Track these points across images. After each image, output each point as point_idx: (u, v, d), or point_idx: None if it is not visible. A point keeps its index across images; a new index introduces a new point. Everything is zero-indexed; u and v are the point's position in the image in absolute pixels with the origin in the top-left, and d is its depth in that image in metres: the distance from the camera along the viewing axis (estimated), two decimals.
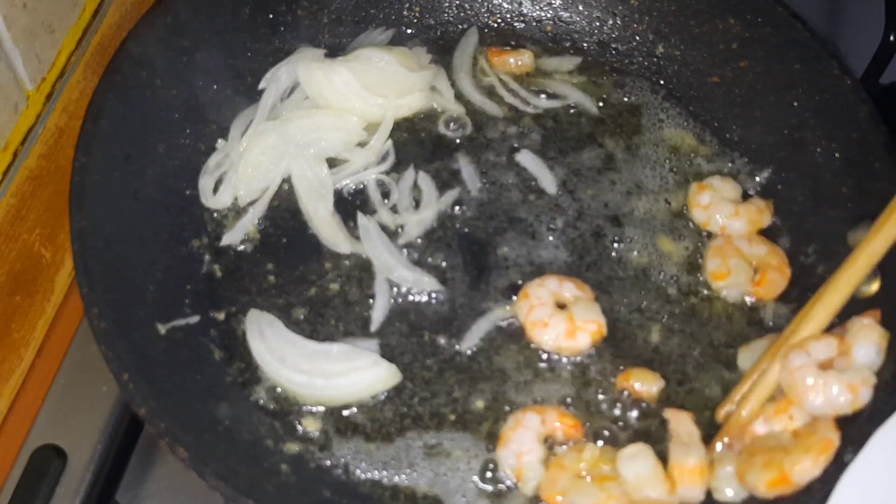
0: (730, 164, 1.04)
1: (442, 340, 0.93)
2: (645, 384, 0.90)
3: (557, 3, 1.14)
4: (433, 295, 0.95)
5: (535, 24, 1.14)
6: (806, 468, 0.77)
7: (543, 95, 1.09)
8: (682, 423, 0.85)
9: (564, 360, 0.92)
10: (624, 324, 0.94)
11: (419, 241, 0.98)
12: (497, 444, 0.86)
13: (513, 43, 1.13)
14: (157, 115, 0.96)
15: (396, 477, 0.85)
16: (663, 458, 0.83)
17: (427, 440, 0.87)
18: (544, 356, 0.92)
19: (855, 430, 0.77)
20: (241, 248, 0.97)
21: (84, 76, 1.00)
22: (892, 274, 0.86)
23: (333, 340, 0.91)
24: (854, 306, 0.86)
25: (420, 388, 0.90)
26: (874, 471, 0.73)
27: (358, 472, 0.86)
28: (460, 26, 1.14)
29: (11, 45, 0.87)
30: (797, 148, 1.00)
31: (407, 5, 1.13)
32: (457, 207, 1.01)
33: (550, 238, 0.99)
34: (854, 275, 0.84)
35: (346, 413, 0.88)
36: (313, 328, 0.93)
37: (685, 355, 0.93)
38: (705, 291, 0.96)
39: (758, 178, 1.03)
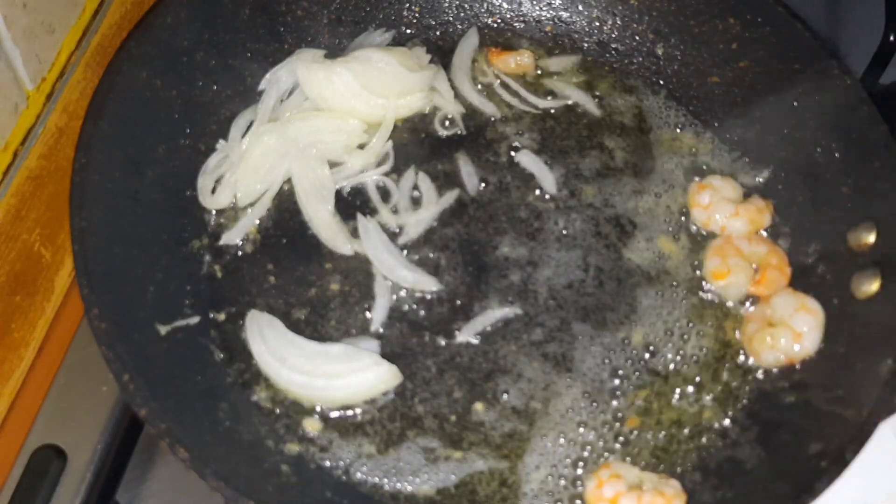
0: (730, 165, 1.04)
1: (442, 341, 0.93)
2: None
3: (557, 3, 1.14)
4: (433, 295, 0.95)
5: (535, 24, 1.14)
6: None
7: (543, 95, 1.09)
8: None
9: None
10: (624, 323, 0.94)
11: (419, 241, 0.98)
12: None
13: (514, 42, 1.13)
14: (157, 115, 0.96)
15: (396, 478, 0.85)
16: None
17: (427, 441, 0.87)
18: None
19: (855, 429, 0.77)
20: (242, 248, 0.97)
21: (84, 76, 0.99)
22: (892, 274, 0.86)
23: (334, 341, 0.91)
24: (855, 305, 0.87)
25: (420, 388, 0.90)
26: (874, 469, 0.73)
27: (358, 472, 0.86)
28: (460, 26, 1.14)
29: (11, 45, 0.87)
30: (797, 148, 1.00)
31: (407, 5, 1.13)
32: (457, 207, 1.01)
33: (550, 238, 0.99)
34: None
35: (346, 413, 0.88)
36: (314, 329, 0.93)
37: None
38: (705, 290, 0.97)
39: (758, 178, 1.03)
